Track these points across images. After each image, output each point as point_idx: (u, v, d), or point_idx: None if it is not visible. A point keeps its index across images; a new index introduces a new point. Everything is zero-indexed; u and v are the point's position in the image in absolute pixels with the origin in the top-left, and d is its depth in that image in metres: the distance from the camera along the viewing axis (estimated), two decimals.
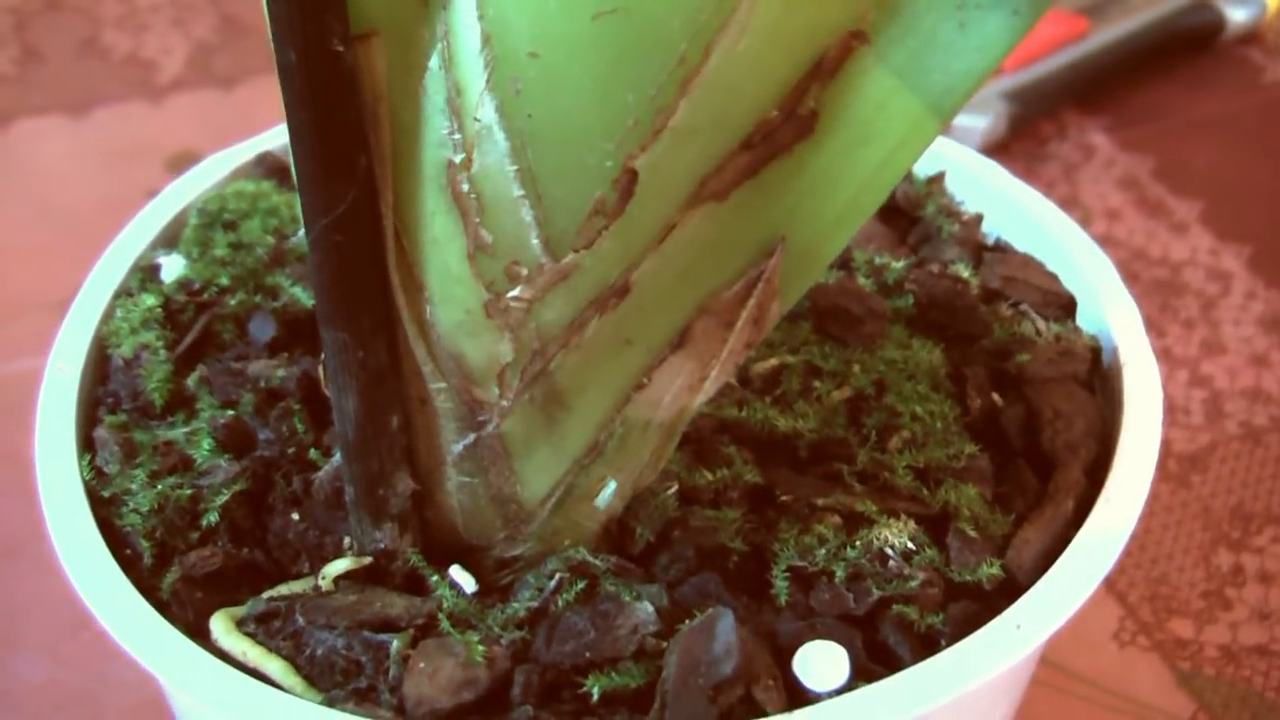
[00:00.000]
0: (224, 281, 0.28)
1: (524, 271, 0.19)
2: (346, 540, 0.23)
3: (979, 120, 0.54)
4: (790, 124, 0.18)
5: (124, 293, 0.28)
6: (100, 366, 0.27)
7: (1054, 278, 0.28)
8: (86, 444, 0.25)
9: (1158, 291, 0.52)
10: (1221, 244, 0.54)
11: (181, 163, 0.54)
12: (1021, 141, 0.58)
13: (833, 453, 0.24)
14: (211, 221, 0.29)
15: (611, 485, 0.21)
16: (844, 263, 0.28)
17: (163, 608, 0.23)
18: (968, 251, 0.28)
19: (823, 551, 0.22)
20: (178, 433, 0.25)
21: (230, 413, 0.25)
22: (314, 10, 0.18)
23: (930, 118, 0.18)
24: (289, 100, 0.19)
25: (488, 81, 0.18)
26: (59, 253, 0.50)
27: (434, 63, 0.19)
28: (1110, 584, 0.42)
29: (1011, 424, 0.25)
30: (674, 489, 0.23)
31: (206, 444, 0.25)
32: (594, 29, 0.17)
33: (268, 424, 0.25)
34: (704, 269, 0.19)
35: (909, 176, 0.30)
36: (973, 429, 0.25)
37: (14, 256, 0.51)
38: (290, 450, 0.25)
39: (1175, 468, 0.45)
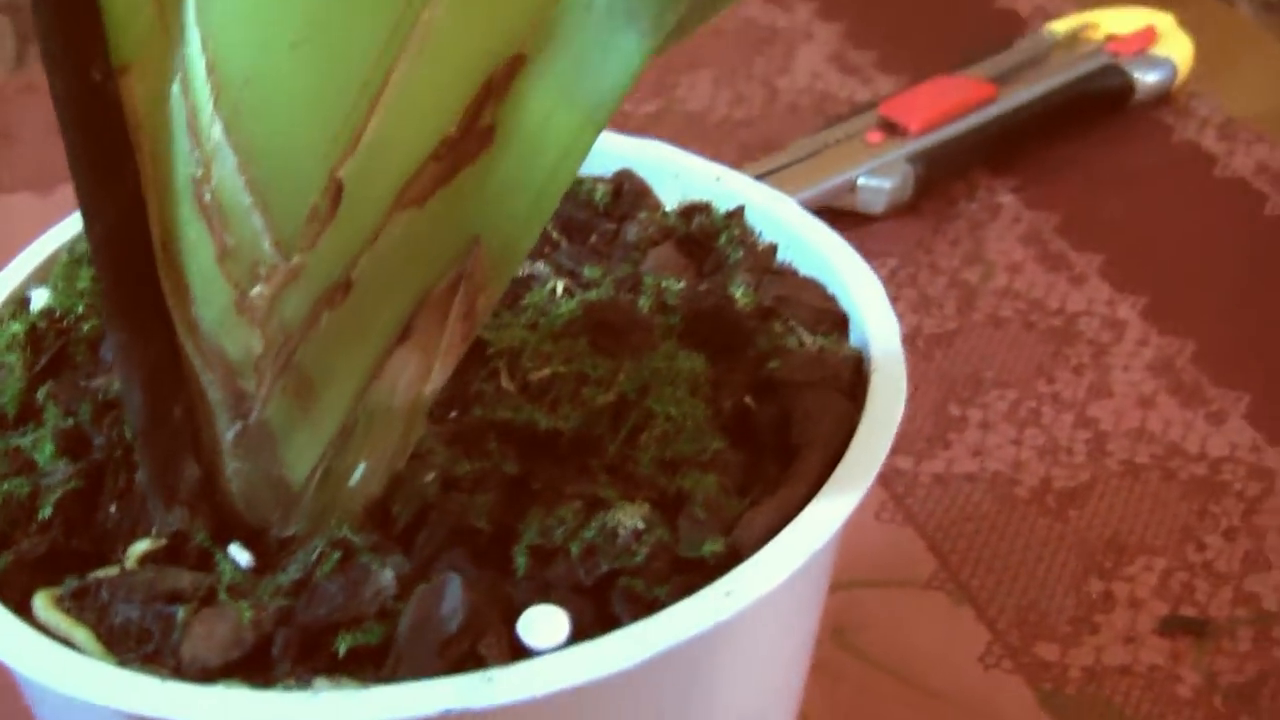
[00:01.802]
0: (81, 310, 0.32)
1: (262, 271, 0.23)
2: (154, 528, 0.27)
3: (885, 182, 0.58)
4: (471, 137, 0.22)
5: None
6: None
7: (830, 298, 0.32)
8: None
9: (1052, 339, 0.55)
10: (1118, 294, 0.57)
11: None
12: (932, 201, 0.61)
13: (588, 448, 0.27)
14: (79, 259, 0.33)
15: (362, 467, 0.25)
16: (633, 285, 0.31)
17: None
18: (754, 276, 0.32)
19: (561, 531, 0.26)
20: (26, 440, 0.29)
21: (70, 421, 0.29)
22: (76, 46, 0.22)
23: (588, 127, 0.22)
24: (61, 125, 0.23)
25: (215, 104, 0.22)
26: None
27: (175, 89, 0.22)
28: (980, 610, 0.45)
29: (763, 423, 0.29)
30: (434, 476, 0.26)
31: (48, 449, 0.29)
32: (292, 57, 0.21)
33: (102, 431, 0.29)
34: (415, 267, 0.23)
35: (708, 210, 0.34)
36: (726, 429, 0.29)
37: None
38: (118, 453, 0.28)
39: (1053, 503, 0.48)
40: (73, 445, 0.29)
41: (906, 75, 0.70)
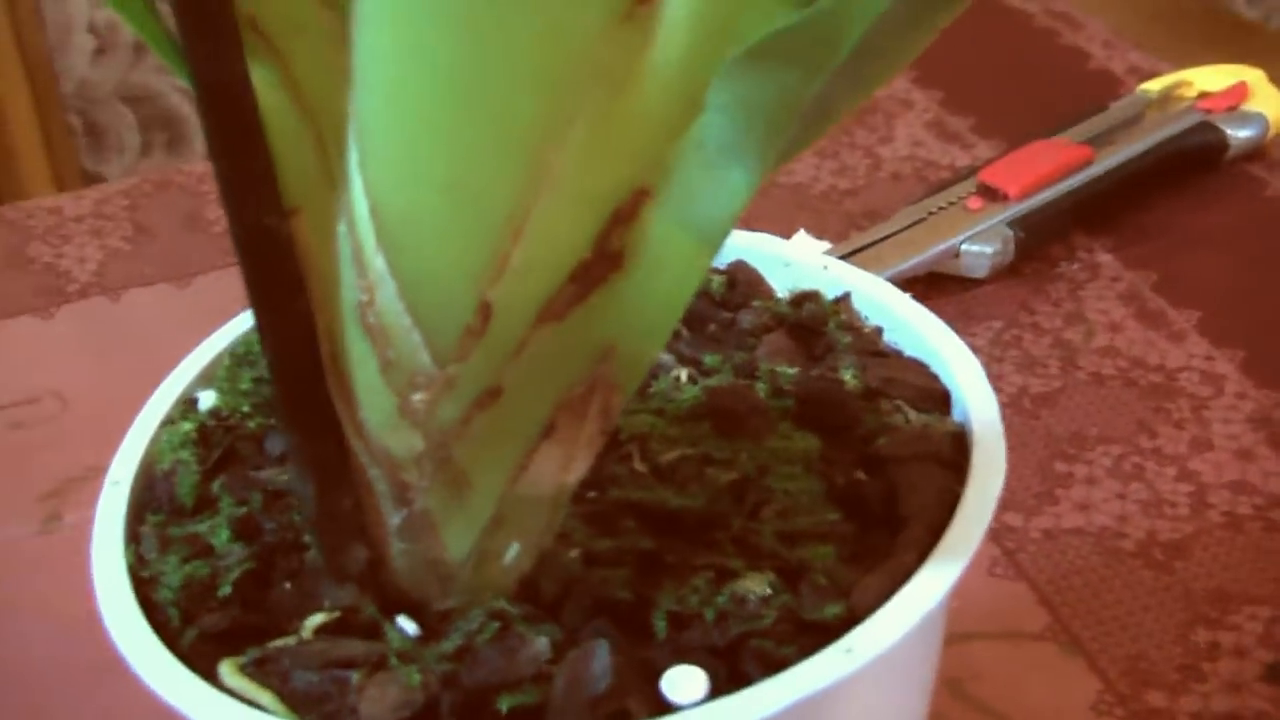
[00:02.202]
0: (246, 409, 0.35)
1: (421, 381, 0.26)
2: (326, 602, 0.30)
3: (987, 247, 0.61)
4: (603, 261, 0.25)
5: (169, 421, 0.35)
6: (146, 479, 0.34)
7: (933, 377, 0.34)
8: (133, 537, 0.32)
9: (1153, 396, 0.57)
10: (1216, 350, 0.59)
11: None
12: (1032, 263, 0.64)
13: (714, 524, 0.30)
14: (240, 361, 0.37)
15: (515, 547, 0.28)
16: (749, 372, 0.34)
17: (185, 659, 0.30)
18: (861, 359, 0.35)
19: (695, 599, 0.29)
20: (203, 526, 0.33)
21: (243, 509, 0.33)
22: (253, 196, 0.25)
23: (705, 250, 0.25)
24: (241, 260, 0.26)
25: (377, 240, 0.25)
26: None
27: (341, 228, 0.26)
28: (1091, 660, 0.47)
29: (872, 496, 0.31)
30: (577, 553, 0.29)
31: (224, 534, 0.32)
32: (443, 200, 0.24)
33: (272, 517, 0.32)
34: (556, 374, 0.26)
35: (817, 298, 0.37)
36: (840, 502, 0.31)
37: (124, 406, 0.59)
38: (289, 537, 0.32)
39: (1159, 555, 0.51)
40: (246, 531, 0.32)
41: (1005, 139, 0.73)
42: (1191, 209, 0.67)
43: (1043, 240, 0.64)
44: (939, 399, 0.34)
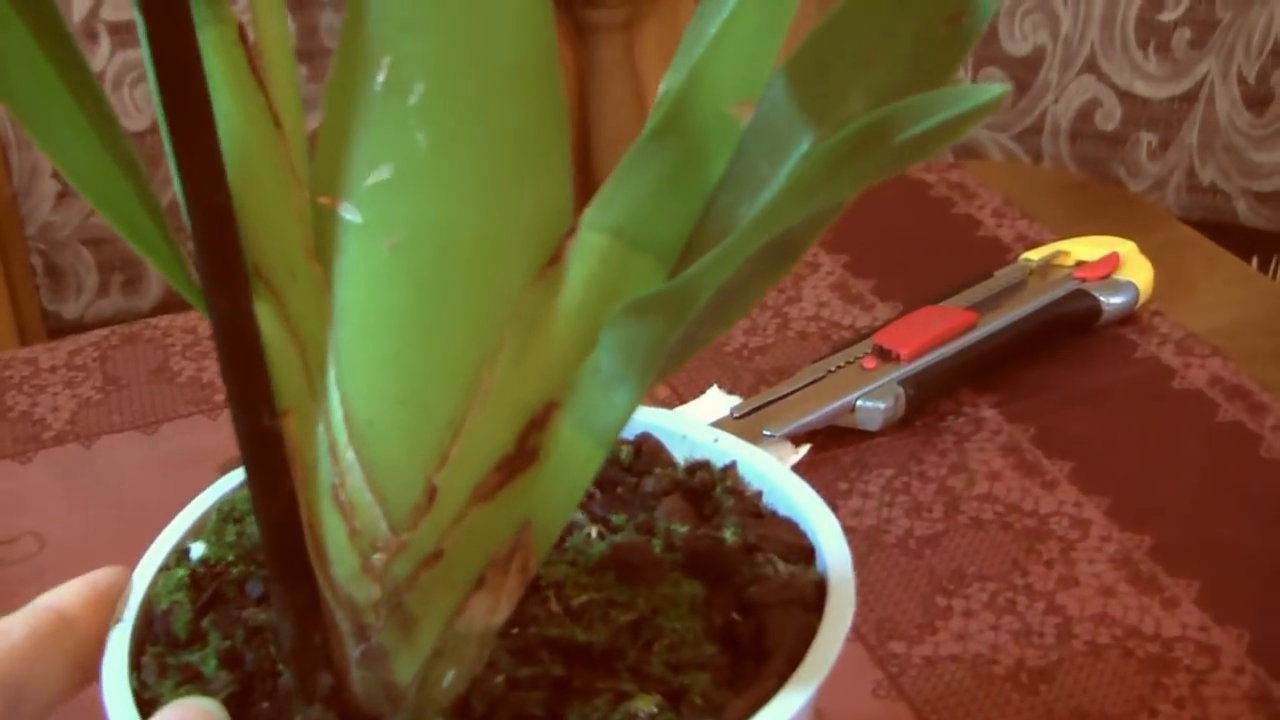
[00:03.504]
0: (231, 558, 0.44)
1: (380, 545, 0.34)
2: (298, 718, 0.38)
3: (880, 404, 0.70)
4: (523, 455, 0.34)
5: (165, 568, 0.43)
6: (147, 616, 0.42)
7: (801, 535, 0.43)
8: (135, 666, 0.40)
9: (1026, 538, 0.66)
10: (1085, 497, 0.68)
11: (232, 466, 0.71)
12: (923, 417, 0.73)
13: (614, 655, 0.39)
14: (226, 517, 0.45)
15: (451, 674, 0.36)
16: (649, 529, 0.43)
17: None
18: (742, 519, 0.43)
19: (596, 716, 0.37)
20: (195, 657, 0.41)
21: (229, 643, 0.41)
22: (254, 402, 0.34)
23: (599, 449, 0.33)
24: (242, 451, 0.35)
25: (348, 438, 0.34)
26: (134, 543, 0.66)
27: (320, 428, 0.34)
28: None
29: (744, 634, 0.40)
30: (501, 678, 0.38)
31: (212, 663, 0.40)
32: (398, 409, 0.33)
33: (253, 649, 0.40)
34: (486, 541, 0.34)
35: (708, 466, 0.45)
36: (718, 638, 0.40)
37: (97, 544, 0.67)
38: (266, 665, 0.40)
39: (1026, 680, 0.59)
40: (231, 660, 0.40)
41: (902, 301, 0.82)
42: (1068, 369, 0.76)
43: (932, 396, 0.73)
44: (805, 553, 0.42)
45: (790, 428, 0.68)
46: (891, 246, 0.87)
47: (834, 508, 0.64)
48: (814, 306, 0.83)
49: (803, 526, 0.43)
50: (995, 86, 0.25)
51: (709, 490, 0.45)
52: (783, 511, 0.44)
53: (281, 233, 0.34)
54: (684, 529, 0.43)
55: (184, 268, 0.35)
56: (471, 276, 0.32)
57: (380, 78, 0.31)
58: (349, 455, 0.34)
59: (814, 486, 0.57)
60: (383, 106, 0.31)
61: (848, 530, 0.64)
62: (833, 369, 0.71)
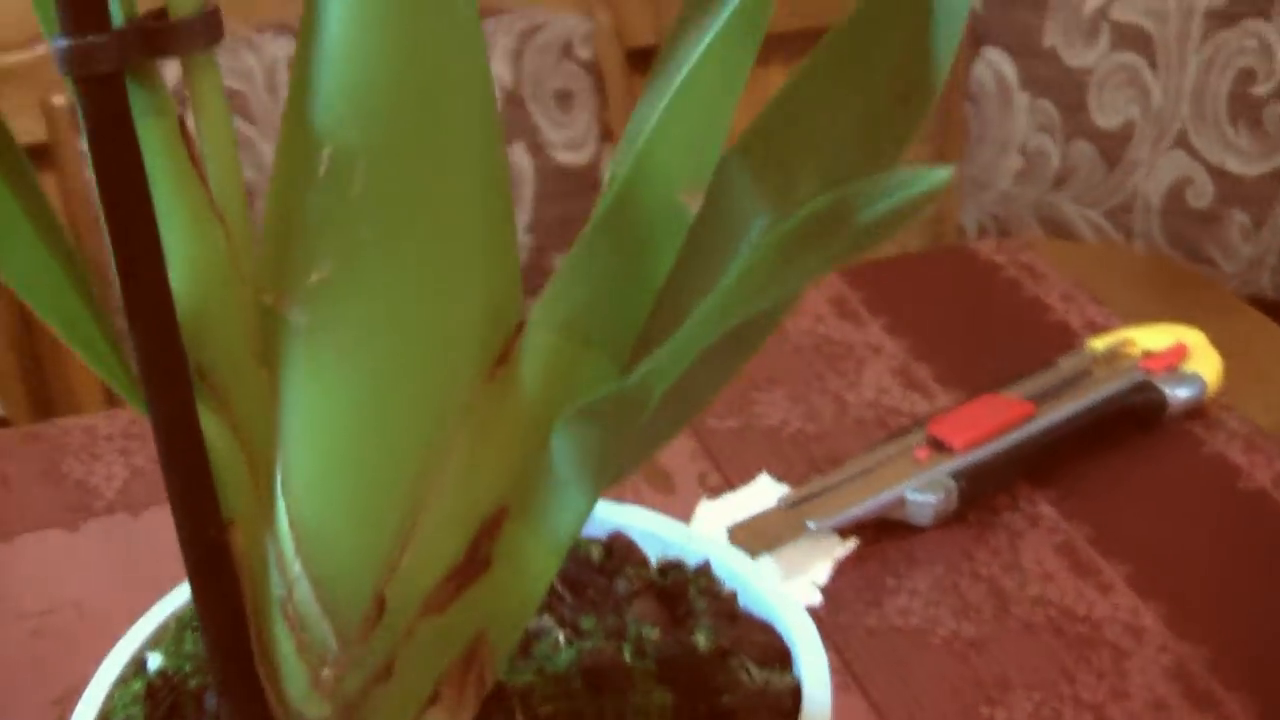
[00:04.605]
0: (188, 669, 0.43)
1: (329, 659, 0.33)
2: None
3: (931, 497, 0.68)
4: (474, 565, 0.33)
5: (122, 680, 0.43)
6: None
7: (777, 637, 0.42)
8: None
9: (1078, 645, 0.64)
10: (1142, 602, 0.66)
11: None
12: (976, 511, 0.71)
13: None
14: (185, 626, 0.44)
15: None
16: (619, 634, 0.42)
17: None
18: (716, 621, 0.42)
19: None
20: None
21: None
22: (198, 511, 0.33)
23: (553, 556, 0.33)
24: (186, 562, 0.34)
25: (295, 549, 0.33)
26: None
27: (267, 538, 0.33)
28: None
29: None
30: None
31: None
32: (344, 519, 0.32)
33: None
34: (438, 654, 0.34)
35: (681, 566, 0.44)
36: None
37: (135, 618, 0.66)
38: None
39: None
40: None
41: (963, 389, 0.80)
42: (1130, 464, 0.73)
43: (986, 490, 0.71)
44: (781, 655, 0.41)
45: (837, 519, 0.66)
46: (956, 330, 0.86)
47: (879, 605, 0.63)
48: (874, 392, 0.81)
49: (778, 628, 0.42)
50: (941, 170, 0.24)
51: (682, 591, 0.44)
52: (758, 613, 0.43)
53: (225, 333, 0.33)
54: (656, 633, 0.42)
55: (127, 369, 0.34)
56: (419, 379, 0.31)
57: (322, 169, 0.30)
58: (296, 566, 0.33)
59: (860, 583, 0.56)
60: (325, 198, 0.30)
61: (892, 630, 0.63)
62: (884, 459, 0.70)
